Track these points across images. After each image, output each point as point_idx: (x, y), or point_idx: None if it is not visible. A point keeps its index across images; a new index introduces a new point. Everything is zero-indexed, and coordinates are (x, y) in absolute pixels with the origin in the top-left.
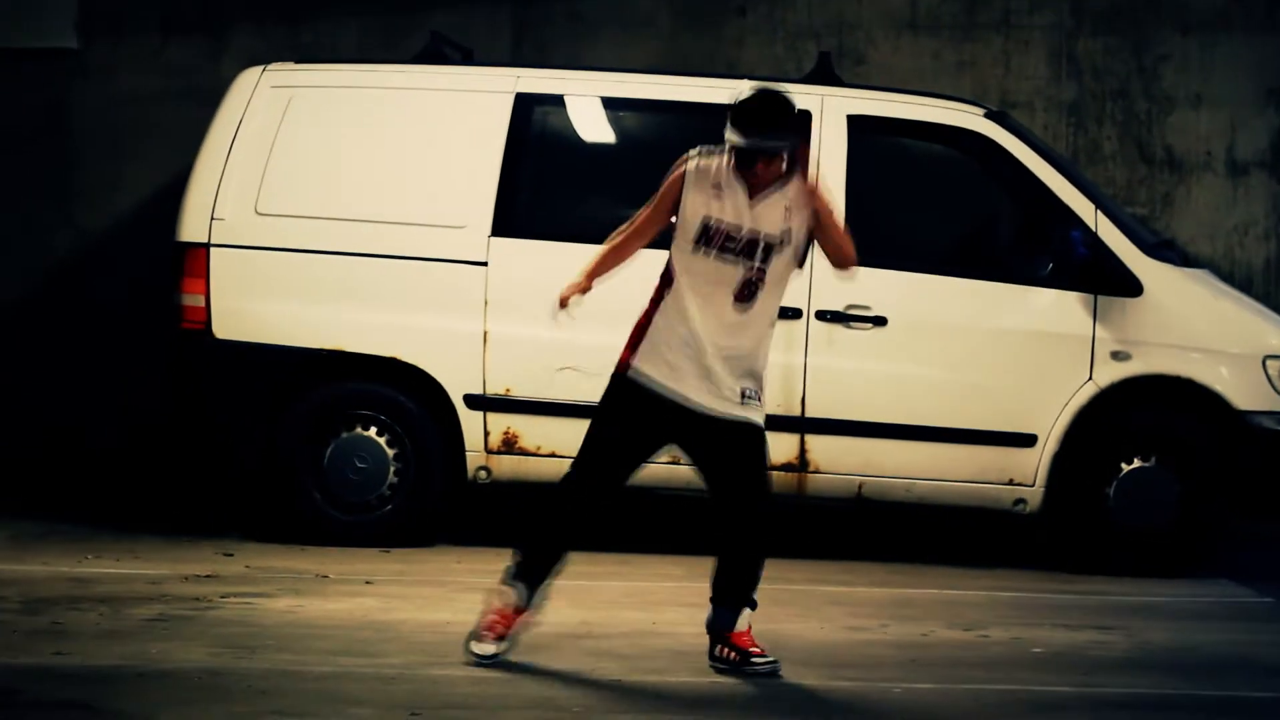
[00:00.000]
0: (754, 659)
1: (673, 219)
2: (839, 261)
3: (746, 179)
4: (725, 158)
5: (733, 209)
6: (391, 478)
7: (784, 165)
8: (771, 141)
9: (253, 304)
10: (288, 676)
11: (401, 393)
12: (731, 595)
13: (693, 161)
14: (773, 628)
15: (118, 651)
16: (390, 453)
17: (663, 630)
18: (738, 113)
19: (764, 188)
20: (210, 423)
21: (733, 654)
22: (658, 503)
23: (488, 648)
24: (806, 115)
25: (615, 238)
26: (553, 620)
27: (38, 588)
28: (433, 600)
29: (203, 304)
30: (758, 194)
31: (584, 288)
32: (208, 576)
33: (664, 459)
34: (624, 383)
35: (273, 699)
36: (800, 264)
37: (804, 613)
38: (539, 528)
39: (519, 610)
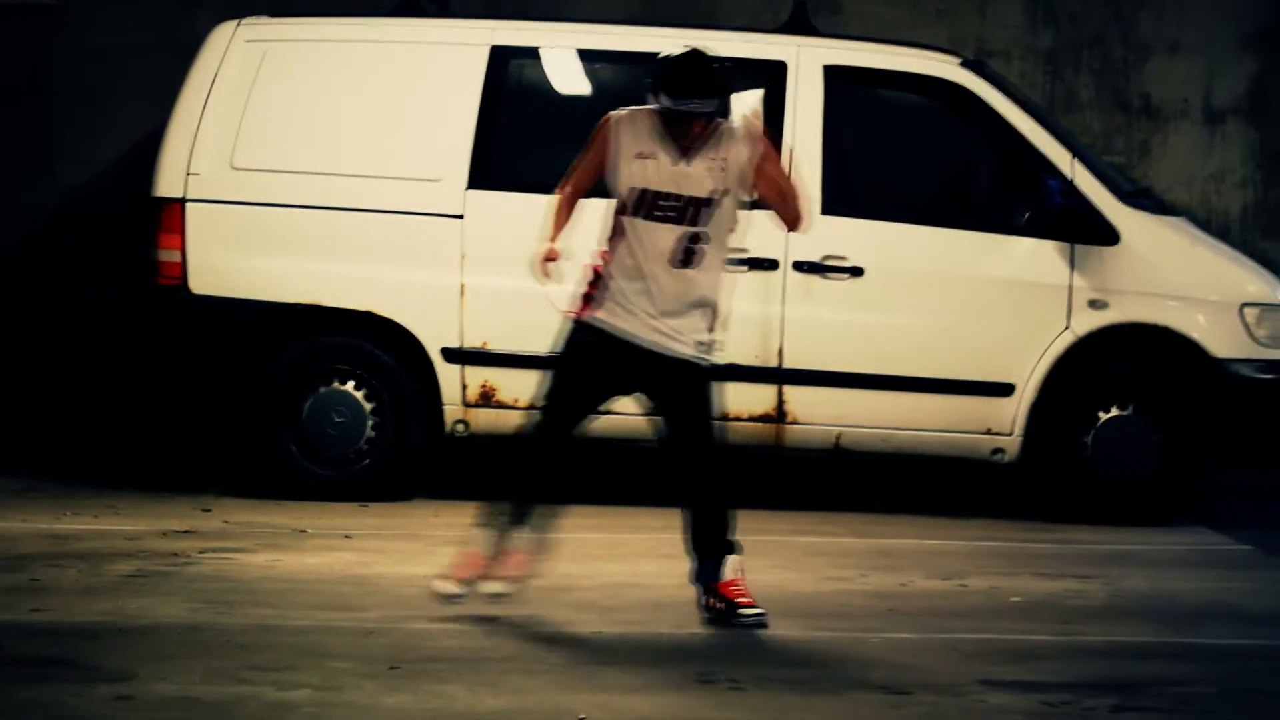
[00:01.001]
0: (740, 610)
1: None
2: (786, 217)
3: (676, 140)
4: (651, 119)
5: (662, 174)
6: (369, 432)
7: (712, 123)
8: (704, 104)
9: (229, 259)
10: (266, 631)
11: (378, 347)
12: (708, 545)
13: (617, 125)
14: (752, 578)
15: (96, 608)
16: (368, 407)
17: (642, 582)
18: (666, 75)
19: (694, 148)
20: (187, 378)
21: (720, 604)
22: (636, 455)
23: (449, 587)
24: (733, 71)
25: (558, 197)
26: (533, 573)
27: (16, 544)
28: (411, 554)
29: (179, 259)
30: (688, 155)
31: (556, 253)
32: (186, 532)
33: (642, 411)
34: (582, 329)
35: (251, 653)
36: (735, 221)
37: (783, 563)
38: (510, 477)
39: (489, 557)
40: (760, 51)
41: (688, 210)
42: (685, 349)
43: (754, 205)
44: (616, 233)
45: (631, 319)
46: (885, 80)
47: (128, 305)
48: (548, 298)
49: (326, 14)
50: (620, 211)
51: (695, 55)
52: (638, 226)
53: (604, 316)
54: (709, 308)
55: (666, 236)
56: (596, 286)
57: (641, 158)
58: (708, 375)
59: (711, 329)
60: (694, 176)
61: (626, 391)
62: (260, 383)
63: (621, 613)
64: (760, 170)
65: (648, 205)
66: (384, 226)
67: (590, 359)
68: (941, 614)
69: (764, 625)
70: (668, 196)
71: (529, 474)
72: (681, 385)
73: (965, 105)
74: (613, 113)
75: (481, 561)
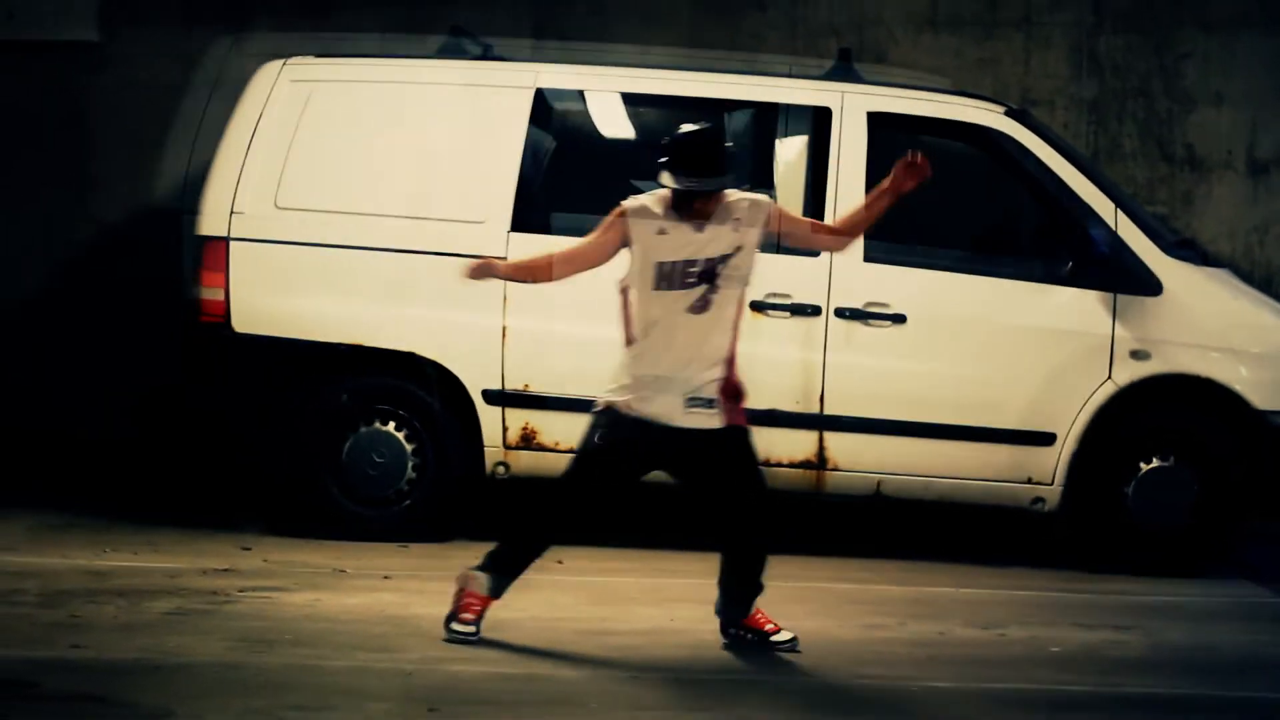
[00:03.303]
0: (772, 638)
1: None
2: (829, 245)
3: (684, 215)
4: (665, 197)
5: (682, 245)
6: (410, 473)
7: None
8: (709, 183)
9: (272, 298)
10: (305, 671)
11: (420, 388)
12: (742, 590)
13: (632, 210)
14: (791, 625)
15: (135, 645)
16: (409, 447)
17: (680, 626)
18: (675, 155)
19: (708, 216)
20: (228, 416)
21: (751, 636)
22: (676, 499)
23: (468, 627)
24: (733, 152)
25: (557, 258)
26: (571, 616)
27: (56, 580)
28: (450, 596)
29: (222, 298)
30: (704, 223)
31: (498, 273)
32: (225, 570)
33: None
34: (611, 417)
35: (290, 693)
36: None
37: (822, 610)
38: (526, 527)
39: (490, 598)
40: (805, 98)
41: (710, 271)
42: (713, 421)
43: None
44: (631, 328)
45: (662, 411)
46: (929, 128)
47: (166, 342)
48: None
49: (372, 55)
50: (643, 294)
51: (702, 134)
52: (660, 300)
53: (638, 408)
54: (719, 362)
55: (690, 296)
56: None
57: (660, 238)
58: (746, 432)
59: (725, 384)
60: (712, 243)
61: (655, 468)
62: (302, 422)
63: (659, 656)
64: (781, 219)
65: (675, 277)
66: (427, 267)
67: (623, 444)
68: (980, 663)
69: (796, 648)
70: (692, 264)
71: (541, 534)
72: (727, 452)
73: (1009, 154)
74: (624, 202)
75: (484, 601)
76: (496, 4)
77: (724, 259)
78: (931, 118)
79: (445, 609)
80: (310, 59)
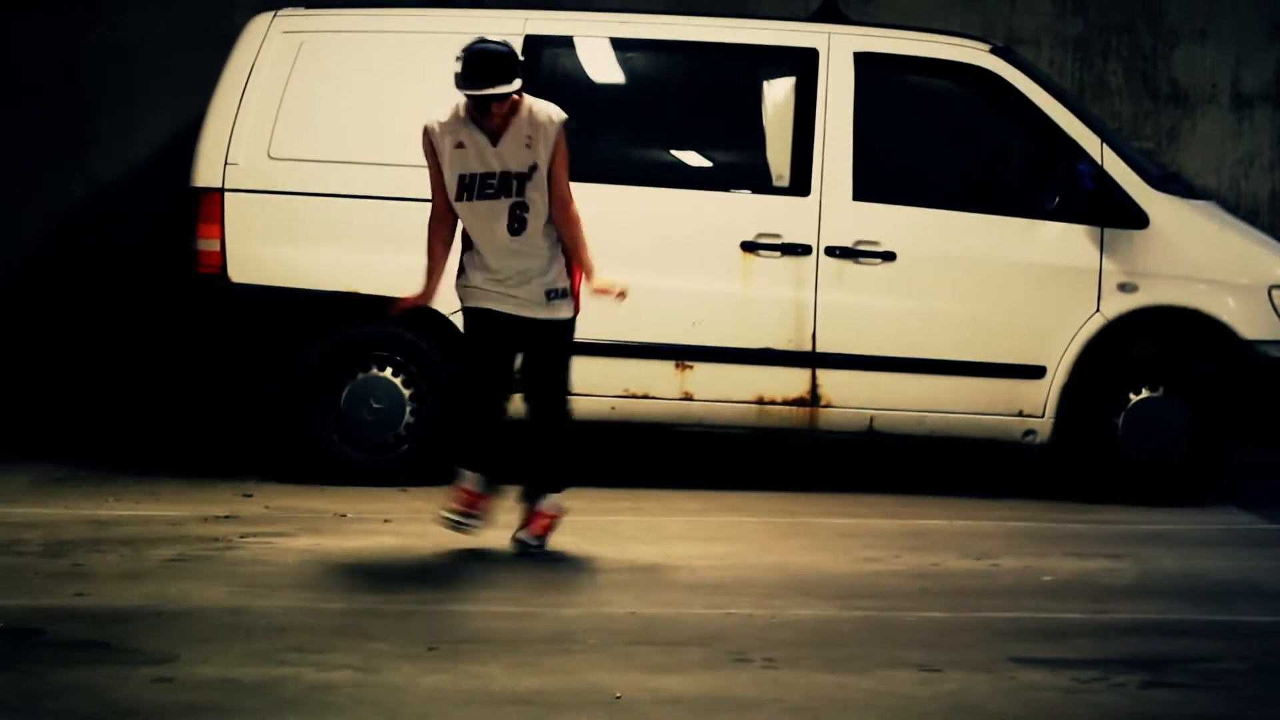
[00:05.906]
0: (517, 533)
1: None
2: (558, 212)
3: (482, 125)
4: (459, 112)
5: (478, 157)
6: (408, 417)
7: (512, 106)
8: (498, 89)
9: (267, 248)
10: (306, 614)
11: (416, 333)
12: (536, 479)
13: (432, 129)
14: (786, 559)
15: (138, 592)
16: (406, 393)
17: (676, 563)
18: (464, 67)
19: (500, 130)
20: (227, 366)
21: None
22: (671, 439)
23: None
24: (521, 61)
25: (430, 241)
26: (568, 555)
27: (59, 530)
28: (449, 537)
29: (218, 248)
30: (498, 137)
31: (427, 298)
32: (227, 517)
33: (676, 395)
34: (469, 315)
35: (292, 636)
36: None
37: (817, 544)
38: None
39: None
40: (792, 39)
41: (508, 184)
42: (543, 311)
43: None
44: (466, 233)
45: (498, 302)
46: (916, 67)
47: (164, 294)
48: None
49: (361, 5)
50: (457, 206)
51: (486, 46)
52: (470, 211)
53: (477, 304)
54: (548, 271)
55: (498, 210)
56: (460, 284)
57: (458, 150)
58: (567, 325)
59: (558, 284)
60: (506, 156)
61: (519, 348)
62: (299, 369)
63: (656, 594)
64: (556, 153)
65: (474, 188)
66: (420, 215)
67: (488, 333)
68: (973, 593)
69: (531, 549)
70: (490, 175)
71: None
72: (544, 339)
73: (995, 91)
74: (426, 122)
75: (473, 498)
76: None
77: (521, 176)
78: (918, 57)
79: (444, 551)
80: (300, 10)
